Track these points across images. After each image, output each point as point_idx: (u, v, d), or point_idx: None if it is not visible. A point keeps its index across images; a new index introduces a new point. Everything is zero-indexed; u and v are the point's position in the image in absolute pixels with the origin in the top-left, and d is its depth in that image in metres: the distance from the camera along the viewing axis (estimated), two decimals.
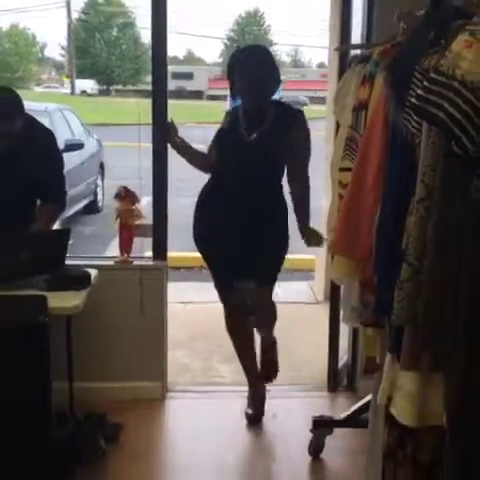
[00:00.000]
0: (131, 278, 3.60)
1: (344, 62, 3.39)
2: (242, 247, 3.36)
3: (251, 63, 3.28)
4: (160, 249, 3.67)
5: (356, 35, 3.69)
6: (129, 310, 3.62)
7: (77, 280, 2.92)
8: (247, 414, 3.55)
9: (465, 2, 1.85)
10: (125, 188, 3.54)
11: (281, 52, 39.57)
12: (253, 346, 3.63)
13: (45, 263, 2.94)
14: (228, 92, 3.52)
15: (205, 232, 3.48)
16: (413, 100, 1.58)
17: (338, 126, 3.04)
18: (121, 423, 3.27)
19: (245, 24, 37.54)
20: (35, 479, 2.69)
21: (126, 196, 3.53)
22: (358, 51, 3.06)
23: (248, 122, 3.33)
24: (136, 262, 3.64)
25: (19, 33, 38.23)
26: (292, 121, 3.33)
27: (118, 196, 3.53)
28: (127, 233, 3.58)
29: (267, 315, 3.48)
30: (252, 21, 37.69)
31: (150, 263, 3.67)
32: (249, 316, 3.54)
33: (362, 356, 3.73)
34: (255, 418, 3.53)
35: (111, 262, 3.64)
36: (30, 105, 5.00)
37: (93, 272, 3.12)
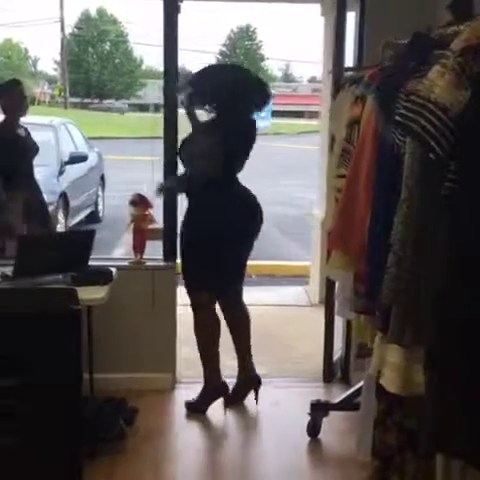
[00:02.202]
0: (144, 278, 3.94)
1: (338, 81, 3.76)
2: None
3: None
4: (170, 251, 4.01)
5: (348, 56, 4.07)
6: (142, 307, 3.95)
7: (101, 275, 3.26)
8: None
9: (440, 35, 2.21)
10: (139, 195, 3.87)
11: (273, 66, 39.94)
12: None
13: (71, 261, 3.28)
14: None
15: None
16: (397, 117, 1.93)
17: (333, 139, 3.43)
18: (137, 407, 3.59)
19: (237, 39, 37.97)
20: (64, 454, 2.99)
21: (140, 202, 3.86)
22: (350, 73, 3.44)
23: None
24: (149, 263, 3.99)
25: (12, 47, 38.55)
26: None
27: (133, 202, 3.86)
28: (140, 236, 3.92)
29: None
30: (244, 36, 38.11)
31: (161, 264, 4.01)
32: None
33: (354, 349, 4.08)
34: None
35: (126, 263, 3.98)
36: (36, 119, 5.34)
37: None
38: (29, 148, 4.87)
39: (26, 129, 4.92)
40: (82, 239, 3.42)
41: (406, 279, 2.04)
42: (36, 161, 5.00)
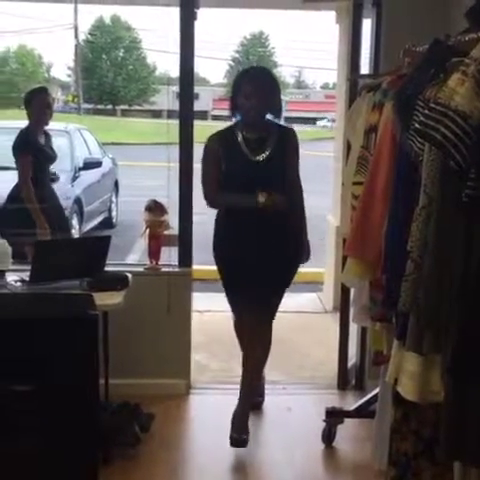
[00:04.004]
0: (159, 283, 3.95)
1: (354, 88, 3.77)
2: (258, 264, 3.44)
3: (256, 81, 3.41)
4: (185, 257, 4.02)
5: (363, 62, 4.07)
6: (157, 313, 3.96)
7: (117, 281, 3.27)
8: (231, 437, 3.47)
9: (458, 42, 2.21)
10: (154, 201, 3.88)
11: (285, 73, 39.97)
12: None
13: (88, 267, 3.29)
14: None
15: (226, 252, 3.54)
16: (416, 125, 1.93)
17: (349, 146, 3.43)
18: (152, 413, 3.59)
19: (250, 46, 38.03)
20: (80, 459, 3.00)
21: (155, 208, 3.87)
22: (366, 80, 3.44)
23: (250, 141, 3.43)
24: (164, 269, 4.00)
25: (26, 53, 38.82)
26: (291, 139, 3.50)
27: (148, 208, 3.87)
28: (156, 242, 3.93)
29: (267, 337, 3.59)
30: (257, 43, 38.16)
31: (176, 270, 4.02)
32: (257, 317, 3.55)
33: (370, 357, 4.07)
34: (238, 442, 3.46)
35: (141, 269, 4.00)
36: (51, 125, 5.38)
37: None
38: (48, 155, 4.92)
39: (47, 136, 4.96)
40: (98, 245, 3.44)
41: (425, 286, 2.04)
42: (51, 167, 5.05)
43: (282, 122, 3.66)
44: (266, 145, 3.42)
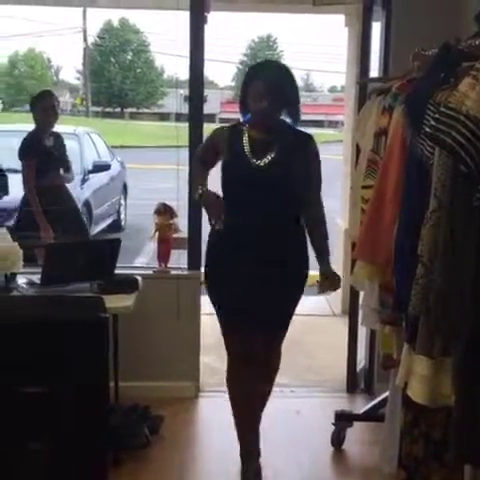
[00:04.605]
0: (168, 286, 3.96)
1: (363, 91, 3.77)
2: (256, 292, 3.01)
3: (267, 75, 2.96)
4: (195, 260, 4.03)
5: (373, 66, 4.07)
6: (166, 316, 3.98)
7: (127, 284, 3.29)
8: None
9: (468, 46, 2.21)
10: (164, 204, 3.89)
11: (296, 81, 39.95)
12: (255, 409, 3.28)
13: (98, 269, 3.31)
14: (239, 115, 3.19)
15: (218, 280, 3.12)
16: (427, 129, 1.94)
17: (358, 149, 3.44)
18: (162, 415, 3.60)
19: (258, 48, 38.07)
20: (90, 461, 3.01)
21: (164, 211, 3.89)
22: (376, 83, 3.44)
23: (255, 143, 3.01)
24: (173, 272, 4.01)
25: (35, 57, 38.99)
26: (305, 146, 3.03)
27: (158, 211, 3.89)
28: (165, 245, 3.95)
29: (272, 367, 3.26)
30: (265, 46, 38.21)
31: (186, 273, 4.03)
32: (252, 368, 3.14)
33: (379, 360, 4.06)
34: None
35: (151, 272, 4.01)
36: (60, 128, 5.41)
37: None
38: (56, 157, 4.93)
39: (57, 137, 4.98)
40: (108, 247, 3.46)
41: (435, 290, 2.04)
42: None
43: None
44: (271, 148, 2.98)
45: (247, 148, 3.01)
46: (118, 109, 36.84)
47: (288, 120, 3.06)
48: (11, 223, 5.10)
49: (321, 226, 3.10)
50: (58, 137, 5.00)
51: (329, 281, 3.12)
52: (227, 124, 3.22)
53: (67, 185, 5.11)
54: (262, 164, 2.97)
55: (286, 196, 2.98)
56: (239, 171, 3.02)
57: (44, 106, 4.80)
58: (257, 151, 2.99)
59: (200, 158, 3.20)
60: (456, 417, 2.03)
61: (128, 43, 38.23)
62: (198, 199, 3.00)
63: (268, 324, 3.08)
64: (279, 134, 3.01)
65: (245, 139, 3.03)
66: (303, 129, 3.12)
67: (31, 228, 4.56)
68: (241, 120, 3.11)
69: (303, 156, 3.00)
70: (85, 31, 33.16)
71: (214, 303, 3.15)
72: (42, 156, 4.80)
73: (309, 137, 3.07)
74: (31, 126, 4.98)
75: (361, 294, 3.49)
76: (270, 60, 2.81)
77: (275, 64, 3.37)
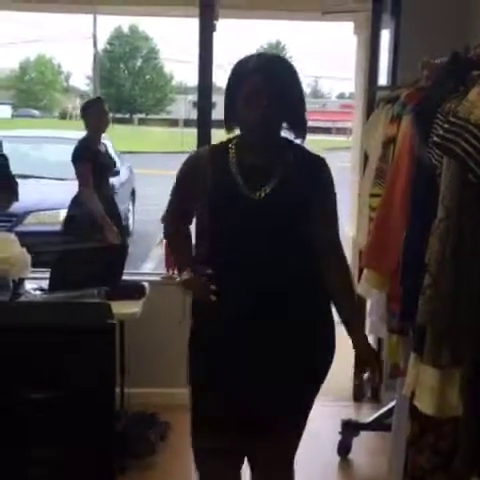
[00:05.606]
0: (175, 293, 3.94)
1: (372, 99, 3.77)
2: (256, 394, 2.26)
3: (266, 67, 2.12)
4: None
5: (381, 74, 4.08)
6: (173, 322, 3.95)
7: (135, 290, 3.29)
8: None
9: (477, 55, 2.21)
10: None
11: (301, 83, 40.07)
12: None
13: (105, 276, 3.31)
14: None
15: (206, 383, 2.49)
16: (435, 138, 1.94)
17: (366, 157, 3.44)
18: (169, 422, 3.60)
19: None
20: (96, 468, 3.00)
21: None
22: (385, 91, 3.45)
23: (247, 168, 2.18)
24: None
25: (45, 63, 39.24)
26: (318, 174, 2.21)
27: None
28: None
29: None
30: (274, 52, 38.40)
31: None
32: None
33: (386, 368, 4.05)
34: None
35: (158, 278, 4.01)
36: (70, 134, 5.44)
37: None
38: (107, 164, 4.96)
39: (105, 145, 5.01)
40: (116, 254, 3.46)
41: (442, 299, 2.03)
42: (70, 175, 5.08)
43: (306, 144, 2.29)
44: (271, 175, 2.16)
45: (237, 175, 2.17)
46: (127, 115, 37.04)
47: (288, 134, 2.24)
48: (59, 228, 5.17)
49: (347, 287, 2.28)
50: (104, 144, 5.04)
51: (362, 360, 2.46)
52: (205, 146, 2.57)
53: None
54: (258, 197, 2.15)
55: (292, 237, 2.18)
56: (228, 212, 2.18)
57: (97, 112, 4.82)
58: (252, 179, 2.16)
59: (172, 221, 2.43)
60: (464, 428, 2.01)
61: (138, 50, 38.51)
62: (181, 285, 2.34)
63: (273, 428, 2.34)
64: (280, 154, 2.20)
65: (233, 162, 2.20)
66: (310, 136, 2.30)
67: (91, 230, 4.55)
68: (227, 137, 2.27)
69: (316, 187, 2.18)
70: (95, 37, 33.40)
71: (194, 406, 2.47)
72: (96, 161, 4.82)
73: (322, 161, 2.24)
74: (33, 132, 5.01)
75: (368, 302, 3.47)
76: (266, 52, 2.20)
77: (275, 56, 2.31)
